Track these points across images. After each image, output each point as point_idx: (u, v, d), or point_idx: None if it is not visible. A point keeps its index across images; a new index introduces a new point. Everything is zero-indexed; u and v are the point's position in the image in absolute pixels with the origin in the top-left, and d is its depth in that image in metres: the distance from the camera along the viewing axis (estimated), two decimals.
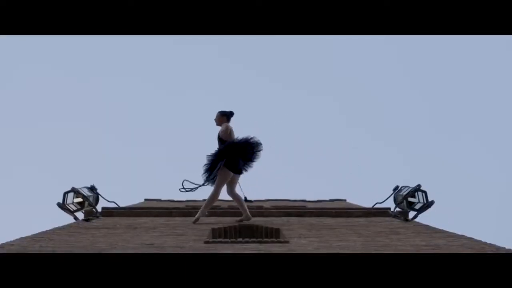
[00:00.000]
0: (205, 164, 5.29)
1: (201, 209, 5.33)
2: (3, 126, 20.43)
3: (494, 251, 3.44)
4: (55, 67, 21.85)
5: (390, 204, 6.41)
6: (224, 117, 5.42)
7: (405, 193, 6.01)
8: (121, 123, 23.62)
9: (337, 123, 22.80)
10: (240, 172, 5.31)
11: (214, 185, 5.26)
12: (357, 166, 21.20)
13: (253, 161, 5.42)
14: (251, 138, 5.37)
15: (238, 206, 5.42)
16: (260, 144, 5.40)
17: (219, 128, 5.42)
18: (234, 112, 5.52)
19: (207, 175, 5.26)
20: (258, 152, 5.40)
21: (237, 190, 5.45)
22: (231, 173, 5.21)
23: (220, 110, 5.48)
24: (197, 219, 5.24)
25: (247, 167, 5.42)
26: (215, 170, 5.15)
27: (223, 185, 5.27)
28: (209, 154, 5.30)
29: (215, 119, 5.48)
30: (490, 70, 22.03)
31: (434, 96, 23.21)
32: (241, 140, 5.32)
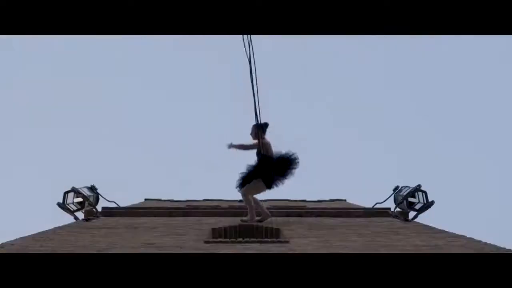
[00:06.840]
0: (241, 174, 5.37)
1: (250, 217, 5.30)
2: (3, 126, 20.44)
3: (494, 251, 3.44)
4: (56, 67, 21.84)
5: (390, 204, 6.41)
6: (260, 129, 5.25)
7: (405, 193, 6.01)
8: (121, 124, 23.62)
9: (337, 123, 22.79)
10: (271, 188, 5.29)
11: (244, 192, 5.28)
12: (357, 166, 21.16)
13: (286, 178, 5.35)
14: (289, 154, 5.35)
15: (250, 208, 5.31)
16: (297, 161, 5.36)
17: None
18: (268, 123, 5.36)
19: (240, 184, 5.35)
20: (293, 169, 5.35)
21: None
22: (265, 187, 5.24)
23: (254, 123, 5.28)
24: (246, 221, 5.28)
25: (279, 183, 5.33)
26: (249, 183, 5.24)
27: (255, 194, 5.34)
28: (249, 165, 5.33)
29: (251, 134, 5.38)
30: (489, 70, 22.03)
31: (433, 95, 23.22)
32: (278, 157, 5.30)
